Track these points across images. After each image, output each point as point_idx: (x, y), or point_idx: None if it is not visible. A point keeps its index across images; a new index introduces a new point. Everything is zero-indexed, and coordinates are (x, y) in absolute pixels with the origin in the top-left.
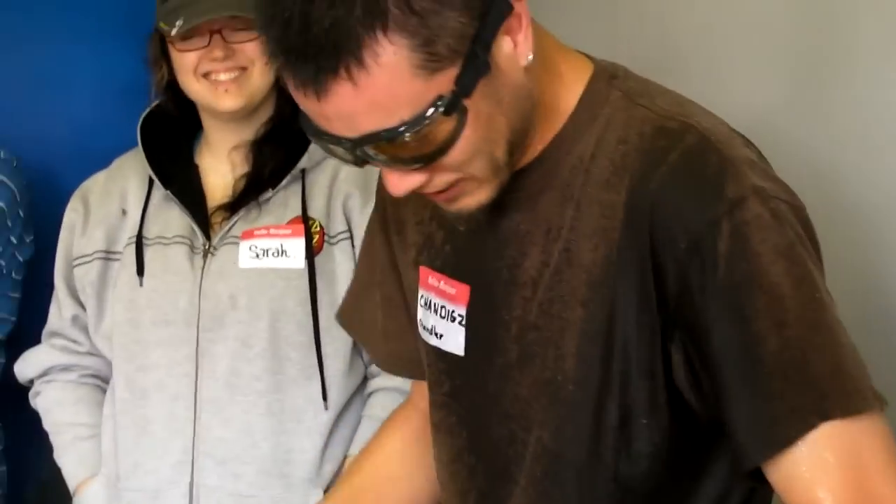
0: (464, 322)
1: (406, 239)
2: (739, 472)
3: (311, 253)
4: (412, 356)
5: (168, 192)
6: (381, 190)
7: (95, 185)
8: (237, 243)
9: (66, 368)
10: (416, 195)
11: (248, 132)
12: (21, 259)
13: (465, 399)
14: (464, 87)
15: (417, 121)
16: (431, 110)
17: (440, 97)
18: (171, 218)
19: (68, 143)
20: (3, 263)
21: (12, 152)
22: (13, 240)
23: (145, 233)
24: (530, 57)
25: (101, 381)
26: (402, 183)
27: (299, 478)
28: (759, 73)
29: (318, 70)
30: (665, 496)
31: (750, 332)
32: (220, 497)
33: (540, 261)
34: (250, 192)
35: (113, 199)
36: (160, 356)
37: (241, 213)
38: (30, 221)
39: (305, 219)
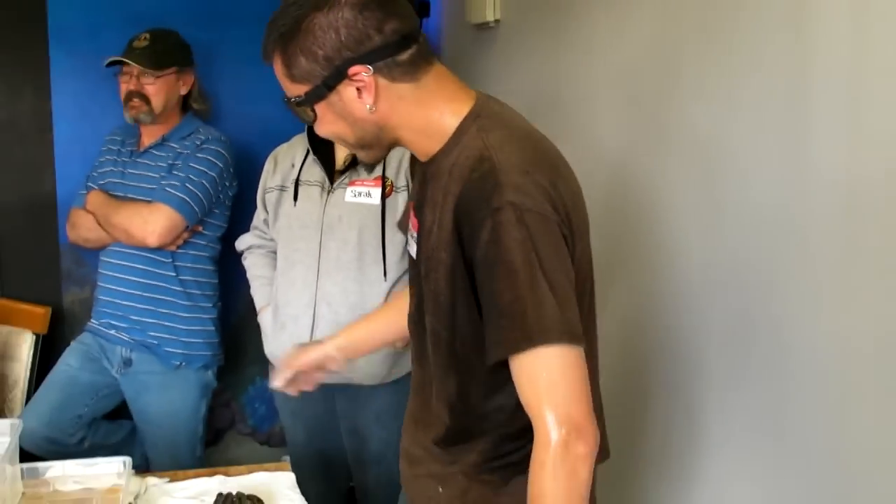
0: (415, 239)
1: (412, 189)
2: (489, 363)
3: (384, 196)
4: None
5: (315, 157)
6: (411, 166)
7: (281, 150)
8: (345, 188)
9: (259, 246)
10: (417, 167)
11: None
12: (231, 194)
13: (416, 285)
14: (307, 99)
15: (289, 102)
16: (293, 98)
17: (297, 96)
18: (314, 171)
19: (263, 125)
20: (222, 196)
21: (229, 134)
22: (227, 184)
23: (301, 178)
24: (368, 106)
25: (275, 254)
26: (319, 129)
27: None
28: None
29: (264, 52)
30: (478, 359)
31: (494, 289)
32: (327, 323)
33: (432, 216)
34: (356, 161)
35: (288, 159)
36: (301, 245)
37: (350, 171)
38: (235, 174)
39: (384, 177)
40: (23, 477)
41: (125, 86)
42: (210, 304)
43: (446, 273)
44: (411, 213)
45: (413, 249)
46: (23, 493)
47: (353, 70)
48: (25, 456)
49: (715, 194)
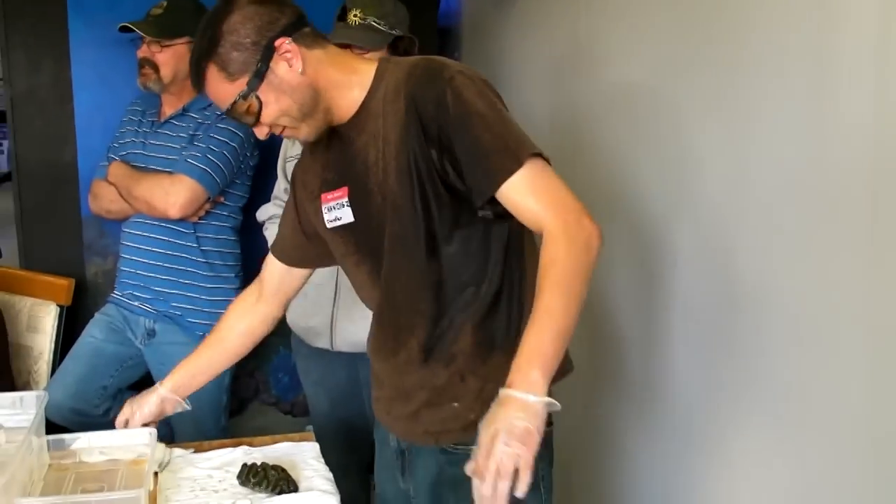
0: (347, 203)
1: (309, 189)
2: (477, 206)
3: None
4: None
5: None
6: (294, 175)
7: None
8: None
9: (280, 216)
10: (312, 167)
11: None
12: (252, 164)
13: (361, 243)
14: (251, 87)
15: (232, 107)
16: (237, 97)
17: (241, 92)
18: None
19: None
20: (243, 167)
21: None
22: (248, 154)
23: None
24: (300, 70)
25: None
26: (259, 132)
27: None
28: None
29: (196, 79)
30: (460, 251)
31: (473, 136)
32: (350, 291)
33: (375, 151)
34: None
35: None
36: None
37: None
38: (255, 143)
39: None
40: (49, 448)
41: (140, 52)
42: (232, 275)
43: (399, 171)
44: (324, 192)
45: (347, 213)
46: (49, 465)
47: (278, 43)
48: (51, 427)
49: (740, 153)
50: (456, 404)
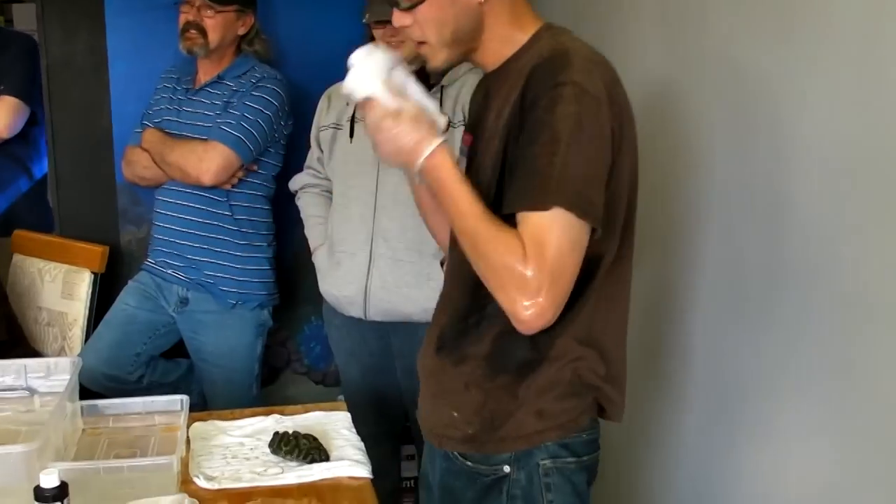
0: (466, 152)
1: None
2: (505, 212)
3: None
4: None
5: None
6: (471, 102)
7: (334, 89)
8: None
9: (313, 185)
10: (475, 110)
11: (410, 67)
12: (286, 133)
13: None
14: None
15: None
16: None
17: None
18: None
19: (319, 66)
20: (277, 135)
21: (285, 74)
22: (282, 123)
23: (357, 115)
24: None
25: (329, 193)
26: (398, 20)
27: (428, 253)
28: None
29: None
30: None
31: (533, 150)
32: (384, 260)
33: (494, 118)
34: None
35: (342, 97)
36: (358, 181)
37: None
38: (290, 112)
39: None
40: (83, 414)
41: (185, 16)
42: (265, 244)
43: (494, 154)
44: (464, 133)
45: (463, 164)
46: (83, 430)
47: None
48: (85, 393)
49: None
50: (456, 414)
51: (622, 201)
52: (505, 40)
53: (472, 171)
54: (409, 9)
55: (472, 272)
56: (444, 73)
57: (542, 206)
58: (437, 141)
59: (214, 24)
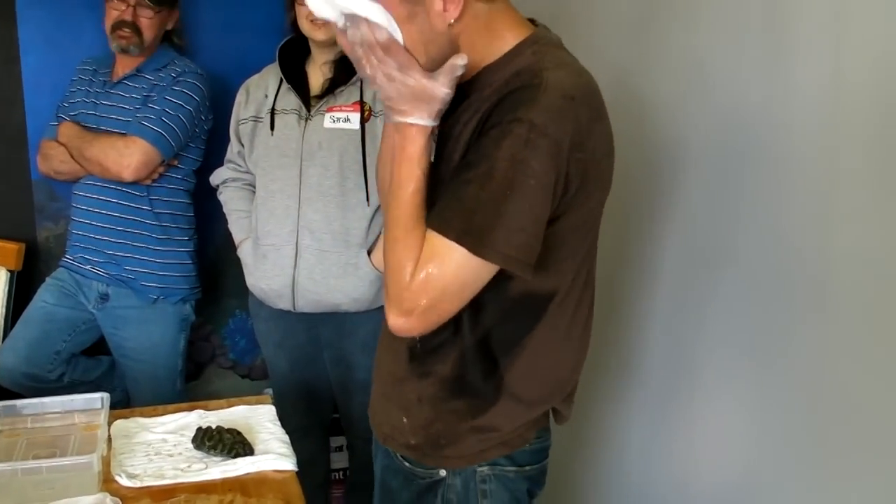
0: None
1: None
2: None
3: (363, 120)
4: None
5: (290, 85)
6: None
7: (252, 81)
8: (323, 114)
9: (234, 179)
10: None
11: (332, 54)
12: (206, 127)
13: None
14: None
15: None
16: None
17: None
18: (290, 100)
19: (236, 58)
20: (198, 130)
21: (203, 67)
22: (203, 118)
23: (276, 107)
24: (451, 21)
25: (251, 187)
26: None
27: (354, 243)
28: None
29: None
30: None
31: (467, 176)
32: (311, 251)
33: (459, 122)
34: (332, 87)
35: (261, 89)
36: (280, 174)
37: (327, 97)
38: (210, 106)
39: (361, 102)
40: (1, 415)
41: (116, 13)
42: (186, 238)
43: (455, 168)
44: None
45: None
46: (1, 431)
47: None
48: (4, 393)
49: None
50: (405, 420)
51: (574, 240)
52: (484, 49)
53: (433, 177)
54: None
55: None
56: None
57: (448, 234)
58: (430, 123)
59: (151, 23)
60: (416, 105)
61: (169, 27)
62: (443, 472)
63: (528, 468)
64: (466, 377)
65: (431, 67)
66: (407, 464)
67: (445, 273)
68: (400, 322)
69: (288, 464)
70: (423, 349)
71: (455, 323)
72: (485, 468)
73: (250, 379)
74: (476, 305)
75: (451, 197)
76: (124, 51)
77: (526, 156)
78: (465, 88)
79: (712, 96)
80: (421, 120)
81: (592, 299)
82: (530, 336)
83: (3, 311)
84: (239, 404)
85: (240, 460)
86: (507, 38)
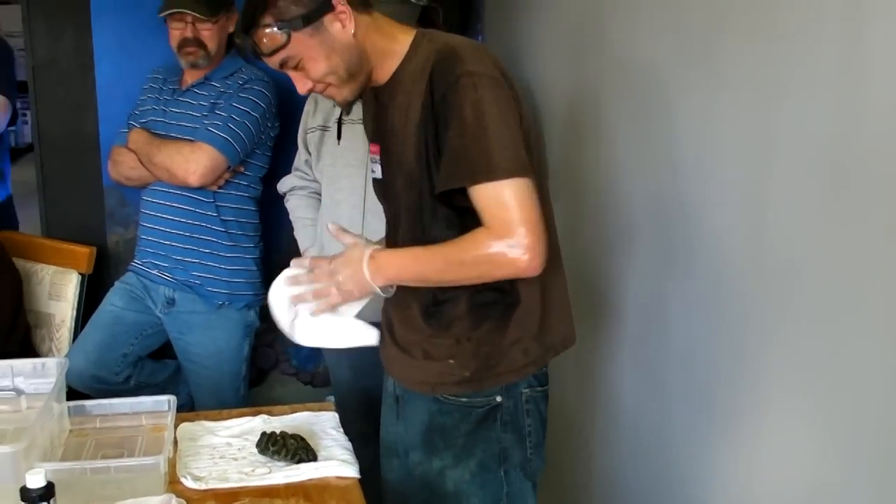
0: (378, 160)
1: (366, 130)
2: (436, 192)
3: None
4: None
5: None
6: (364, 117)
7: None
8: None
9: (301, 187)
10: (368, 114)
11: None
12: (272, 134)
13: (386, 200)
14: (294, 25)
15: (279, 59)
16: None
17: (280, 24)
18: (357, 110)
19: None
20: (264, 137)
21: (270, 74)
22: (269, 124)
23: (343, 117)
24: (352, 32)
25: (317, 195)
26: (302, 87)
27: None
28: None
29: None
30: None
31: (447, 136)
32: None
33: (399, 123)
34: None
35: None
36: (346, 183)
37: None
38: (277, 113)
39: None
40: (70, 415)
41: (178, 32)
42: (252, 245)
43: (416, 148)
44: (370, 142)
45: (378, 169)
46: (70, 431)
47: (335, 1)
48: (72, 394)
49: (768, 126)
50: (452, 361)
51: (533, 156)
52: (386, 55)
53: (390, 169)
54: (296, 68)
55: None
56: (353, 103)
57: (470, 178)
58: (366, 255)
59: (211, 34)
60: (352, 266)
61: (231, 30)
62: (498, 398)
63: (546, 388)
64: (484, 302)
65: (353, 72)
66: (463, 399)
67: (509, 203)
68: (526, 258)
69: (351, 471)
70: (436, 303)
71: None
72: (527, 390)
73: (313, 386)
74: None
75: (447, 160)
76: (195, 66)
77: (480, 95)
78: (388, 92)
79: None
80: (363, 262)
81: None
82: None
83: (74, 313)
84: (302, 410)
85: (303, 466)
86: (400, 39)
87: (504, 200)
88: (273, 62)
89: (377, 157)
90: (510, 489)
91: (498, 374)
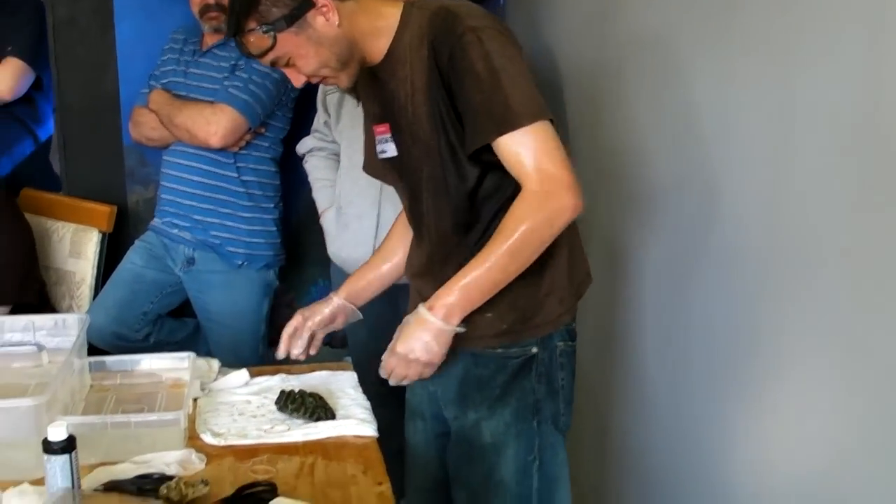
0: (391, 138)
1: (370, 115)
2: (468, 153)
3: None
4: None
5: None
6: (362, 100)
7: None
8: None
9: (320, 149)
10: (368, 97)
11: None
12: (293, 96)
13: (403, 177)
14: (278, 27)
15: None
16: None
17: (264, 26)
18: None
19: None
20: (284, 98)
21: None
22: (289, 86)
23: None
24: (336, 23)
25: (336, 157)
26: (296, 81)
27: None
28: None
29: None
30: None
31: (465, 93)
32: (392, 222)
33: (404, 95)
34: None
35: None
36: None
37: None
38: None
39: None
40: (90, 370)
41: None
42: (272, 205)
43: (428, 115)
44: (374, 125)
45: (391, 148)
46: (90, 386)
47: None
48: (93, 350)
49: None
50: (490, 314)
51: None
52: (376, 33)
53: (404, 144)
54: (287, 65)
55: (463, 219)
56: (355, 88)
57: (496, 130)
58: (420, 313)
59: None
60: (419, 332)
61: None
62: (535, 350)
63: (576, 343)
64: None
65: (344, 61)
66: (499, 350)
67: (537, 148)
68: (566, 199)
69: (369, 429)
70: (470, 256)
71: (466, 227)
72: (561, 344)
73: (331, 346)
74: (470, 200)
75: (472, 118)
76: (217, 30)
77: (487, 48)
78: (387, 69)
79: None
80: (430, 322)
81: None
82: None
83: (94, 271)
84: (321, 370)
85: (321, 424)
86: (387, 14)
87: (532, 146)
88: (264, 62)
89: (387, 136)
90: (542, 441)
91: (535, 326)
